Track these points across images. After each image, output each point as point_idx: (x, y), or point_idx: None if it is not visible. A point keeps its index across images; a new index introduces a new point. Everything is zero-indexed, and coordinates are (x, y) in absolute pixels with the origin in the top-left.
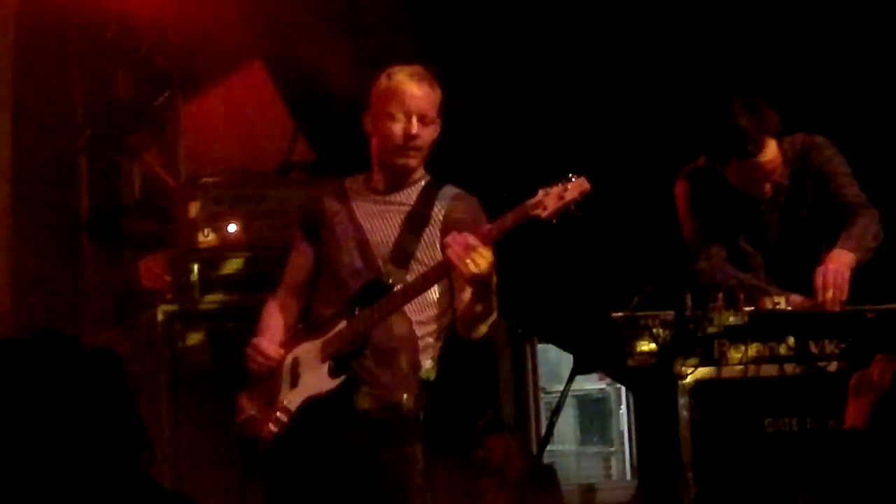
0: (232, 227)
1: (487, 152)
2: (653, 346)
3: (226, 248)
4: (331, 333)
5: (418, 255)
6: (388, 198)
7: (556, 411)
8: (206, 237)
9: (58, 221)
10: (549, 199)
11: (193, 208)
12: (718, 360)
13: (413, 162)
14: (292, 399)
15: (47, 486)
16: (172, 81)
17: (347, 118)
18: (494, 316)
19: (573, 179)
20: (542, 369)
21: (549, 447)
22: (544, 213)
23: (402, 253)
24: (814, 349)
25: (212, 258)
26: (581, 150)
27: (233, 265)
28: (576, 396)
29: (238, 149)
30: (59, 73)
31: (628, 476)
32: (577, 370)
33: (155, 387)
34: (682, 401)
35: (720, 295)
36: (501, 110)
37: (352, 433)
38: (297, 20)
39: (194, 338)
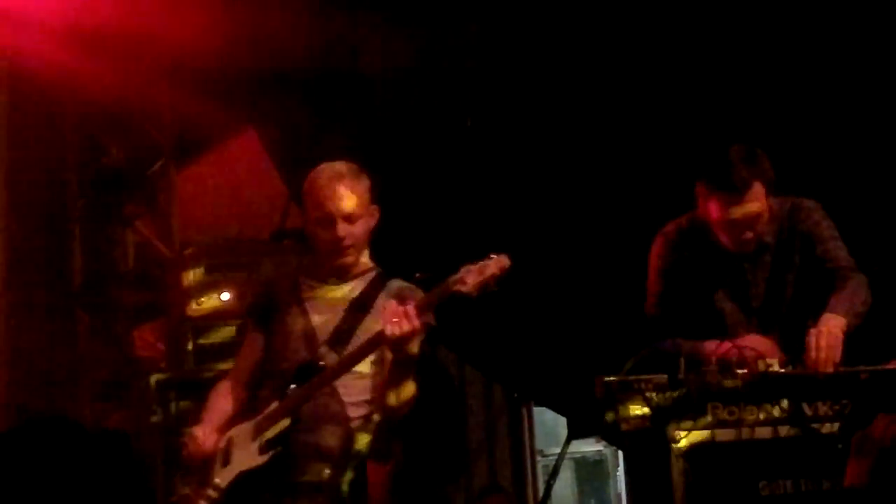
0: (225, 296)
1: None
2: (646, 409)
3: (219, 316)
4: (263, 414)
5: (355, 339)
6: (334, 288)
7: (553, 474)
8: (200, 306)
9: (52, 292)
10: (470, 276)
11: (187, 277)
12: (712, 424)
13: (349, 259)
14: (224, 477)
15: None
16: (165, 150)
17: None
18: (412, 392)
19: (493, 257)
20: (538, 432)
21: None
22: (464, 289)
23: (340, 337)
24: (808, 411)
25: (205, 326)
26: (571, 211)
27: (226, 333)
28: (573, 459)
29: (231, 217)
30: (53, 143)
31: None
32: (573, 434)
33: (150, 456)
34: (677, 464)
35: (713, 359)
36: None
37: (284, 499)
38: (287, 88)
39: (188, 406)
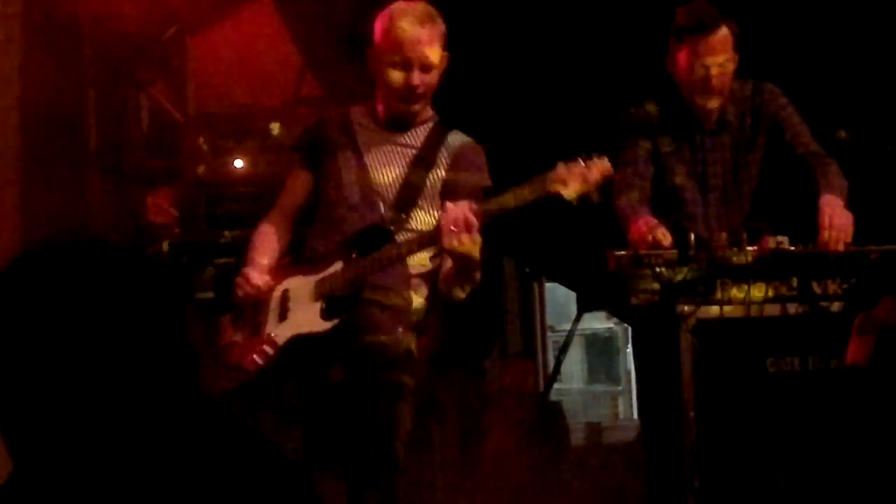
0: (238, 163)
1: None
2: (655, 284)
3: (232, 182)
4: (325, 273)
5: (420, 201)
6: (393, 137)
7: (563, 349)
8: (213, 172)
9: (66, 157)
10: (572, 177)
11: (200, 143)
12: (721, 300)
13: (416, 107)
14: (279, 333)
15: (100, 396)
16: (179, 16)
17: (355, 53)
18: (477, 280)
19: (595, 159)
20: (550, 308)
21: (555, 386)
22: (566, 192)
23: (405, 198)
24: (817, 289)
25: (218, 193)
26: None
27: (238, 200)
28: (583, 335)
29: (245, 84)
30: (68, 7)
31: (635, 415)
32: (582, 308)
33: None
34: (685, 340)
35: (724, 234)
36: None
37: (341, 367)
38: None
39: (199, 271)
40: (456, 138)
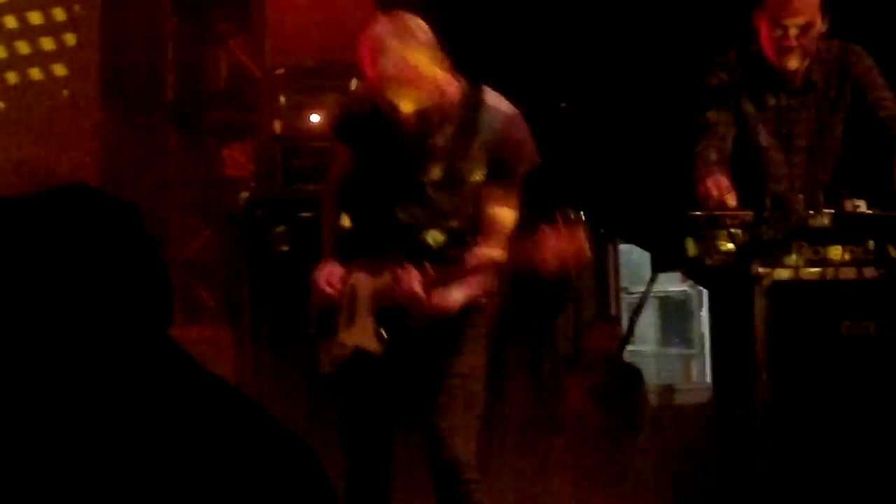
0: (315, 118)
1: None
2: (731, 246)
3: (309, 137)
4: (381, 282)
5: (467, 177)
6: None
7: (637, 311)
8: (290, 126)
9: (145, 110)
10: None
11: (278, 98)
12: (797, 262)
13: None
14: (347, 338)
15: (67, 341)
16: None
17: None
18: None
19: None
20: (624, 271)
21: (629, 347)
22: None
23: (452, 177)
24: (893, 253)
25: (295, 148)
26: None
27: (315, 155)
28: (657, 298)
29: (323, 39)
30: None
31: (708, 378)
32: (657, 269)
33: (236, 273)
34: (759, 302)
35: (800, 196)
36: None
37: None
38: None
39: (275, 225)
40: (492, 101)
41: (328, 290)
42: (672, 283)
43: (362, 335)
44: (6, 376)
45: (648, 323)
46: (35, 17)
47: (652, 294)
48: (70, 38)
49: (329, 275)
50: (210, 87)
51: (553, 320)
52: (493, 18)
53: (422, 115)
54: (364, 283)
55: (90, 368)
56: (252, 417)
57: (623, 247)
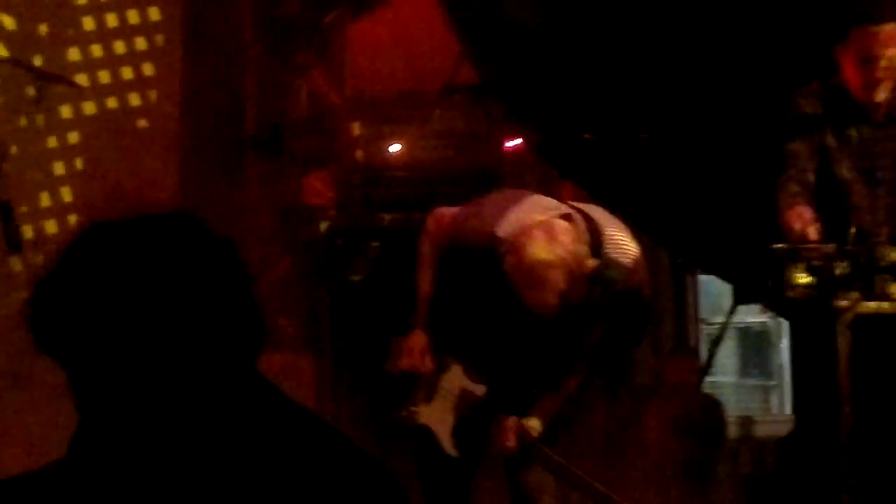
0: (395, 147)
1: None
2: (812, 278)
3: (388, 167)
4: (473, 388)
5: None
6: None
7: (716, 342)
8: (370, 156)
9: (225, 137)
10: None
11: (357, 127)
12: (879, 296)
13: None
14: (420, 412)
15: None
16: (341, 0)
17: (514, 44)
18: None
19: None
20: (703, 301)
21: (708, 378)
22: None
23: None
24: None
25: (374, 177)
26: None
27: (395, 185)
28: (737, 329)
29: (403, 69)
30: None
31: (787, 410)
32: (737, 301)
33: (316, 302)
34: (842, 335)
35: (884, 229)
36: None
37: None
38: None
39: (354, 254)
40: None
41: (408, 364)
42: (751, 314)
43: (438, 422)
44: (105, 396)
45: (727, 354)
46: (119, 47)
47: (731, 325)
48: (149, 69)
49: (415, 348)
50: (290, 116)
51: (631, 350)
52: (576, 54)
53: None
54: (456, 376)
55: (186, 394)
56: (340, 447)
57: (702, 277)
